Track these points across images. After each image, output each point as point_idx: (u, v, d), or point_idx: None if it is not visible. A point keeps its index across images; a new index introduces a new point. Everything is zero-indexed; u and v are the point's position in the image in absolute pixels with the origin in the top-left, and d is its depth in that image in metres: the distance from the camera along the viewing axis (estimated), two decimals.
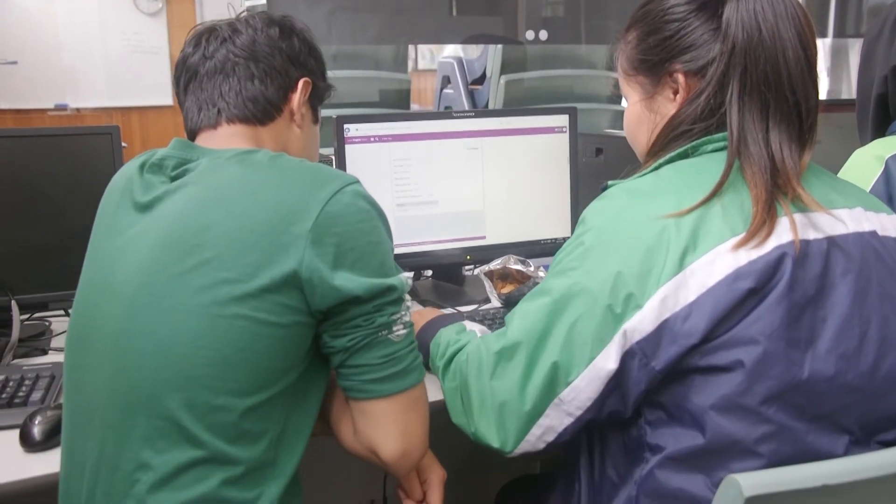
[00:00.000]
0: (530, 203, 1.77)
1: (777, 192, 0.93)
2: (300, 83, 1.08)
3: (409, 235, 1.68)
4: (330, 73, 1.18)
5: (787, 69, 0.95)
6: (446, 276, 1.81)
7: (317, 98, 1.14)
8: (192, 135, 1.06)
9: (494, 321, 1.49)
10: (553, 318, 0.94)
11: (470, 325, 1.20)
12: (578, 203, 1.80)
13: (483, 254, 1.75)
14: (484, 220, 1.74)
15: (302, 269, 0.90)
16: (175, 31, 3.64)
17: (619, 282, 0.90)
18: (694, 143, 0.99)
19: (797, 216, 0.92)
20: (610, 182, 1.02)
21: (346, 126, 1.60)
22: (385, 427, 0.97)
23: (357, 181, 0.97)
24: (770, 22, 0.95)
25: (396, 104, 3.12)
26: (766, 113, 0.95)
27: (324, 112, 1.21)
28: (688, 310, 0.88)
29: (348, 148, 1.60)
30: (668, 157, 1.00)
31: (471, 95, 3.72)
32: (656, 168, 1.00)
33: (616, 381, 0.92)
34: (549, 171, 1.78)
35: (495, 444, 0.98)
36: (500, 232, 1.76)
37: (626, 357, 0.90)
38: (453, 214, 1.71)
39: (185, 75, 1.07)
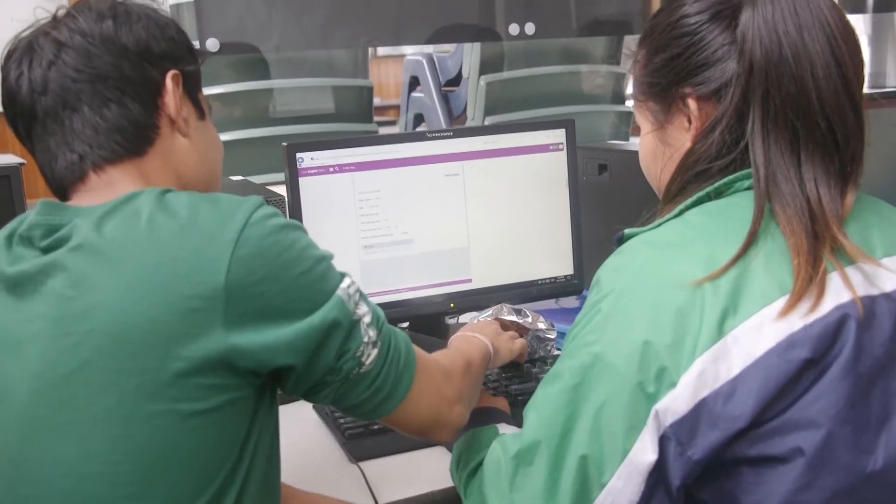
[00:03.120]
0: (523, 237, 1.77)
1: (817, 240, 0.92)
2: (168, 79, 1.01)
3: (379, 282, 1.67)
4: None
5: (816, 90, 0.94)
6: (427, 327, 1.79)
7: (193, 86, 1.07)
8: (60, 192, 1.00)
9: (486, 385, 1.49)
10: (575, 405, 0.93)
11: (506, 428, 1.17)
12: (581, 234, 1.81)
13: (470, 300, 1.75)
14: (469, 260, 1.74)
15: (223, 342, 0.87)
16: None
17: (648, 354, 0.89)
18: (726, 181, 0.98)
19: (851, 270, 0.92)
20: (627, 231, 1.02)
21: (298, 155, 1.60)
22: (414, 421, 1.05)
23: (262, 203, 0.93)
24: (792, 35, 0.94)
25: (357, 116, 3.12)
26: (797, 145, 0.95)
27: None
28: (731, 386, 0.87)
29: (303, 181, 1.60)
30: (694, 198, 0.99)
31: (445, 99, 3.73)
32: (680, 213, 1.00)
33: (658, 475, 0.90)
34: (544, 197, 1.78)
35: None
36: (488, 273, 1.76)
37: (663, 442, 0.89)
38: (432, 255, 1.71)
39: (21, 119, 0.99)
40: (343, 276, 0.97)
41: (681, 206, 1.00)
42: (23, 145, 1.02)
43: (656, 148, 1.10)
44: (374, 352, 0.97)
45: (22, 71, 0.97)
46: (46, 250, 0.92)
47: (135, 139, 0.99)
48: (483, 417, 1.21)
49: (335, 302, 0.93)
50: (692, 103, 1.03)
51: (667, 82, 1.05)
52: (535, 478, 0.94)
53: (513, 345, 1.42)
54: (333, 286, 0.95)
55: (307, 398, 0.98)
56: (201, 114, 1.09)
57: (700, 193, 0.99)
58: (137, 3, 1.03)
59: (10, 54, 1.00)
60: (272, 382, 0.95)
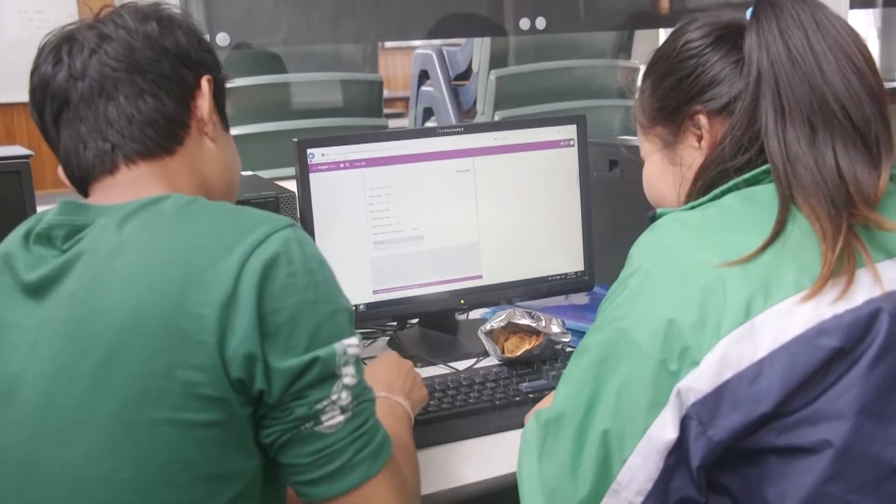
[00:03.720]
0: (534, 233, 1.77)
1: (846, 222, 0.92)
2: (203, 84, 1.04)
3: (390, 279, 1.67)
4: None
5: (828, 84, 0.96)
6: (436, 324, 1.80)
7: (221, 98, 1.10)
8: (83, 183, 1.00)
9: (498, 383, 1.49)
10: (600, 379, 0.94)
11: None
12: (591, 230, 1.81)
13: (480, 296, 1.75)
14: (479, 257, 1.74)
15: (225, 353, 0.86)
16: (88, 11, 3.58)
17: (672, 332, 0.90)
18: (764, 168, 0.99)
19: (891, 263, 0.93)
20: (659, 210, 1.04)
21: (309, 151, 1.60)
22: None
23: (290, 225, 0.92)
24: (798, 38, 0.97)
25: (366, 111, 3.11)
26: (814, 137, 0.96)
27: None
28: (756, 369, 0.88)
29: (313, 177, 1.60)
30: (732, 182, 1.00)
31: (454, 94, 3.71)
32: (717, 196, 1.01)
33: (678, 455, 0.91)
34: (554, 193, 1.78)
35: None
36: (499, 269, 1.76)
37: (685, 422, 0.90)
38: (443, 251, 1.71)
39: (51, 104, 0.99)
40: (353, 334, 0.94)
41: (717, 191, 1.01)
42: (44, 134, 1.02)
43: (665, 169, 1.13)
44: (340, 419, 0.91)
45: (61, 58, 0.99)
46: (68, 251, 0.92)
47: (167, 135, 1.00)
48: None
49: (329, 350, 0.90)
50: (703, 119, 1.06)
51: (677, 103, 1.08)
52: (561, 449, 0.96)
53: (421, 393, 1.33)
54: (338, 333, 0.92)
55: (257, 434, 0.92)
56: (226, 126, 1.11)
57: (737, 179, 1.00)
58: (179, 13, 1.06)
59: (45, 48, 1.00)
60: None
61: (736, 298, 0.89)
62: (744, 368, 0.88)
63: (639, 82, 1.18)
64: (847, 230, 0.92)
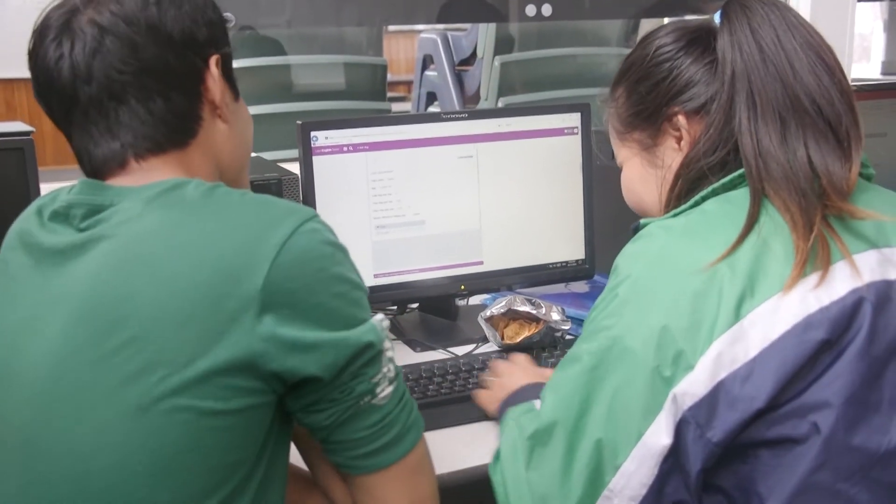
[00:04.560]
0: (536, 220, 1.78)
1: (819, 213, 0.94)
2: (213, 67, 0.99)
3: (391, 263, 1.67)
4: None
5: (799, 81, 0.99)
6: (436, 309, 1.81)
7: (228, 67, 1.05)
8: (95, 177, 0.98)
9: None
10: (591, 388, 0.94)
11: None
12: (593, 219, 1.81)
13: (480, 282, 1.75)
14: (480, 243, 1.74)
15: (254, 343, 0.86)
16: None
17: (665, 338, 0.91)
18: (740, 172, 1.00)
19: (872, 253, 0.94)
20: (642, 220, 1.04)
21: (313, 134, 1.60)
22: (390, 501, 0.98)
23: (314, 216, 0.93)
24: (769, 37, 1.00)
25: (370, 94, 3.11)
26: (787, 133, 0.98)
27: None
28: (748, 368, 0.89)
29: (316, 160, 1.60)
30: (710, 188, 1.01)
31: (458, 79, 3.71)
32: (697, 203, 1.02)
33: (673, 460, 0.92)
34: (557, 181, 1.78)
35: None
36: (499, 256, 1.76)
37: (681, 426, 0.91)
38: (444, 236, 1.71)
39: (58, 101, 0.96)
40: (375, 313, 0.97)
41: (697, 197, 1.02)
42: (55, 124, 1.00)
43: (644, 172, 1.14)
44: (390, 389, 0.95)
45: (62, 53, 0.93)
46: (85, 230, 0.91)
47: (180, 132, 0.98)
48: (523, 395, 1.22)
49: (369, 327, 0.93)
50: (682, 119, 1.07)
51: (655, 106, 1.10)
52: (551, 458, 0.96)
53: None
54: (367, 316, 0.94)
55: (305, 419, 0.94)
56: (235, 93, 1.07)
57: (716, 185, 1.01)
58: None
59: (44, 33, 0.95)
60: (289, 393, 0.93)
61: (727, 299, 0.90)
62: (737, 368, 0.89)
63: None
64: (821, 220, 0.94)
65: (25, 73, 0.99)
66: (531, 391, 1.21)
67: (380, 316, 0.96)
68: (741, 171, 1.00)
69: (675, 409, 0.90)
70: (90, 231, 0.91)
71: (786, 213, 0.94)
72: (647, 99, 1.10)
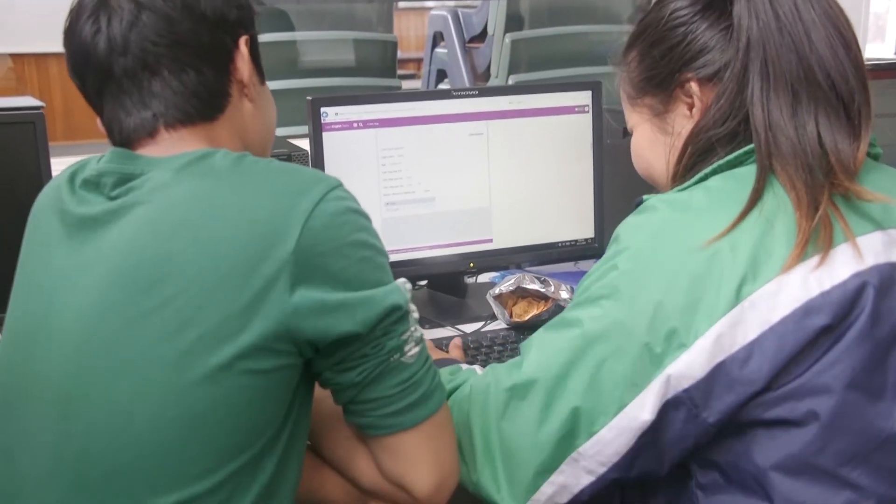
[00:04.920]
0: (546, 198, 1.77)
1: (826, 192, 0.93)
2: (243, 47, 1.03)
3: (400, 239, 1.67)
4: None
5: (815, 54, 0.96)
6: (445, 286, 1.81)
7: (256, 52, 1.08)
8: (127, 147, 1.01)
9: (505, 347, 1.50)
10: (576, 354, 0.94)
11: (467, 367, 1.20)
12: (603, 198, 1.81)
13: (489, 260, 1.75)
14: (490, 220, 1.74)
15: (288, 307, 0.89)
16: None
17: (659, 314, 0.90)
18: (746, 149, 0.99)
19: (877, 235, 0.93)
20: (646, 196, 1.03)
21: (323, 110, 1.59)
22: (416, 461, 0.99)
23: (341, 184, 0.96)
24: (787, 6, 0.97)
25: (380, 71, 3.10)
26: (798, 107, 0.96)
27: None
28: (747, 351, 0.88)
29: (326, 136, 1.60)
30: (715, 165, 1.00)
31: (469, 56, 3.70)
32: (702, 179, 1.00)
33: (652, 435, 0.92)
34: (568, 159, 1.78)
35: (498, 498, 0.99)
36: (509, 234, 1.76)
37: (668, 407, 0.91)
38: (453, 214, 1.71)
39: (94, 76, 0.99)
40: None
41: (701, 174, 1.01)
42: (84, 97, 1.03)
43: (654, 138, 1.12)
44: (416, 349, 0.97)
45: (99, 27, 0.96)
46: (116, 198, 0.94)
47: (209, 105, 1.01)
48: (442, 363, 1.23)
49: (394, 287, 0.95)
50: (694, 86, 1.04)
51: (668, 71, 1.07)
52: (525, 413, 0.97)
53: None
54: (391, 279, 0.97)
55: (335, 378, 0.96)
56: (262, 77, 1.10)
57: (721, 161, 1.00)
58: None
59: (80, 11, 0.99)
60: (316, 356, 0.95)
61: (728, 281, 0.89)
62: (735, 351, 0.89)
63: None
64: (827, 199, 0.92)
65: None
66: (444, 363, 1.23)
67: (402, 279, 0.98)
68: (748, 147, 0.99)
69: (667, 389, 0.90)
70: (122, 199, 0.94)
71: (791, 190, 0.93)
72: (660, 64, 1.07)
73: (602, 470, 0.94)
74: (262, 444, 0.92)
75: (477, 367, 1.18)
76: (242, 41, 1.03)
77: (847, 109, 0.97)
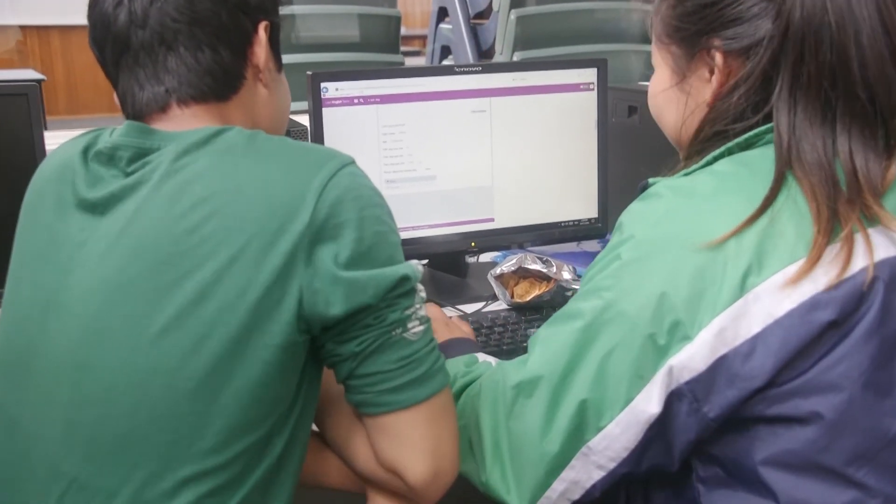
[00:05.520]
0: (549, 177, 1.76)
1: (845, 206, 0.88)
2: (260, 30, 1.04)
3: (401, 218, 1.59)
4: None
5: (859, 58, 0.89)
6: (446, 265, 1.80)
7: (276, 39, 1.11)
8: (137, 118, 1.02)
9: (506, 328, 1.48)
10: (581, 347, 0.92)
11: (484, 356, 1.18)
12: (607, 177, 1.79)
13: (491, 239, 1.74)
14: (492, 199, 1.73)
15: (303, 277, 0.90)
16: None
17: (663, 305, 0.88)
18: (757, 132, 0.95)
19: (879, 232, 0.89)
20: (651, 179, 0.99)
21: (323, 85, 1.57)
22: (411, 444, 0.97)
23: (353, 161, 0.97)
24: None
25: (383, 46, 3.08)
26: (830, 115, 0.91)
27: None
28: (750, 345, 0.86)
29: (326, 112, 1.58)
30: (724, 148, 0.96)
31: (473, 33, 3.67)
32: (709, 162, 0.96)
33: (659, 428, 0.90)
34: (571, 137, 1.76)
35: (508, 498, 0.97)
36: (511, 213, 1.74)
37: (672, 398, 0.89)
38: (455, 192, 1.70)
39: (112, 46, 1.01)
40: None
41: (709, 157, 0.97)
42: (102, 68, 1.04)
43: (671, 93, 1.07)
44: (421, 328, 0.97)
45: (122, 1, 0.99)
46: (133, 173, 0.95)
47: (223, 85, 1.01)
48: (458, 347, 1.22)
49: (406, 265, 0.96)
50: (718, 57, 0.98)
51: (696, 30, 1.00)
52: (532, 410, 0.95)
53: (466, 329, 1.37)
54: (402, 258, 0.98)
55: (335, 349, 0.95)
56: (279, 66, 1.12)
57: (730, 144, 0.96)
58: None
59: None
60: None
61: (732, 273, 0.86)
62: (738, 345, 0.86)
63: None
64: (855, 219, 0.87)
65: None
66: (460, 345, 1.22)
67: (415, 261, 0.99)
68: (757, 130, 0.95)
69: (670, 380, 0.88)
70: (139, 173, 0.95)
71: (812, 201, 0.88)
72: (690, 20, 1.01)
73: (612, 465, 0.92)
74: (272, 422, 0.93)
75: (492, 360, 1.16)
76: (262, 27, 1.04)
77: (885, 126, 0.91)
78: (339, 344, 0.95)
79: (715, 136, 0.98)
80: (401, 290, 0.94)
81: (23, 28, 7.25)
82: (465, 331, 1.35)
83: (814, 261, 0.85)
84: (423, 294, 0.98)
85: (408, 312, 0.95)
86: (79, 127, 1.14)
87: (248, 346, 0.89)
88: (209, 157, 0.94)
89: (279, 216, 0.90)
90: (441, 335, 1.25)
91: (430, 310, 1.32)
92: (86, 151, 0.99)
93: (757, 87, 0.94)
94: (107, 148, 0.97)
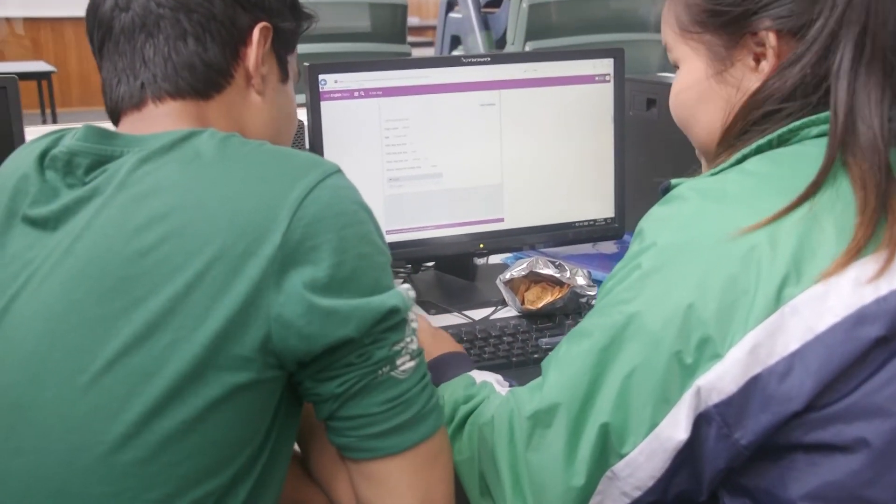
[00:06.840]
0: (562, 175, 1.71)
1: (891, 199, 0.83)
2: (255, 32, 0.98)
3: (404, 218, 1.61)
4: None
5: None
6: (453, 268, 1.75)
7: (283, 46, 1.03)
8: (113, 115, 0.97)
9: (515, 338, 1.42)
10: (601, 369, 0.86)
11: (479, 374, 1.11)
12: (624, 174, 1.74)
13: (501, 241, 1.70)
14: (502, 198, 1.68)
15: (271, 306, 0.82)
16: None
17: (690, 319, 0.82)
18: (792, 126, 0.89)
19: None
20: (673, 181, 0.93)
21: (321, 77, 1.52)
22: (399, 494, 0.91)
23: (339, 171, 0.89)
24: None
25: (388, 36, 3.03)
26: (890, 93, 0.86)
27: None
28: (787, 363, 0.80)
29: (325, 105, 1.53)
30: (755, 145, 0.90)
31: (484, 22, 3.66)
32: (739, 161, 0.91)
33: (687, 454, 0.84)
34: (586, 132, 1.71)
35: None
36: (522, 213, 1.70)
37: (700, 421, 0.83)
38: (463, 191, 1.65)
39: (97, 31, 0.97)
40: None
41: (738, 155, 0.91)
42: (96, 59, 1.00)
43: (708, 89, 0.99)
44: (411, 364, 0.90)
45: None
46: (90, 182, 0.88)
47: (203, 81, 0.95)
48: (453, 365, 1.13)
49: (395, 293, 0.88)
50: (771, 37, 0.92)
51: (741, 11, 0.94)
52: (553, 441, 0.89)
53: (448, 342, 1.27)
54: (391, 284, 0.90)
55: (315, 388, 0.88)
56: (285, 76, 1.05)
57: (761, 140, 0.90)
58: None
59: None
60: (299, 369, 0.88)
61: (767, 282, 0.80)
62: (773, 363, 0.80)
63: None
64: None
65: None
66: (455, 360, 1.14)
67: (406, 285, 0.92)
68: (793, 124, 0.89)
69: (698, 402, 0.82)
70: (95, 182, 0.88)
71: (860, 189, 0.83)
72: (732, 1, 0.94)
73: (637, 493, 0.87)
74: (235, 469, 0.85)
75: (490, 379, 1.09)
76: (259, 27, 0.98)
77: None
78: (319, 383, 0.87)
79: (763, 117, 0.92)
80: (388, 322, 0.87)
81: (35, 20, 7.31)
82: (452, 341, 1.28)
83: (853, 253, 0.80)
84: (415, 324, 0.91)
85: (396, 348, 0.88)
86: (93, 118, 1.12)
87: (202, 384, 0.81)
88: (172, 166, 0.86)
89: (246, 237, 0.82)
90: (430, 351, 1.16)
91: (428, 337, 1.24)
92: (42, 157, 0.92)
93: (816, 61, 0.89)
94: (62, 154, 0.90)
